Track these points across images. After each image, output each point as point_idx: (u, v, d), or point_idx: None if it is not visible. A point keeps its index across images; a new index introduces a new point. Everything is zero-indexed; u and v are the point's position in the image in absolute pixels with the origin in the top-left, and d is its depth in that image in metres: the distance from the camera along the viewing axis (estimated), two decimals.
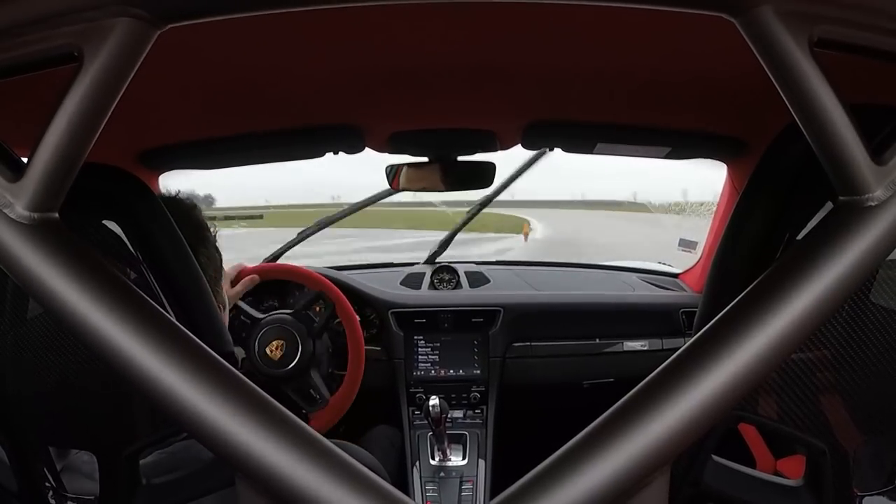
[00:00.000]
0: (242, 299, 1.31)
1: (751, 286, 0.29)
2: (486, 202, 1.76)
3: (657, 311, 1.52)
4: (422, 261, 1.75)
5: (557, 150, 1.14)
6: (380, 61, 0.73)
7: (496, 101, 0.93)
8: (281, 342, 1.23)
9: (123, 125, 0.90)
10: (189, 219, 0.69)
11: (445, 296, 1.57)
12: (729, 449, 0.50)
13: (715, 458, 0.47)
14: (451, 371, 1.45)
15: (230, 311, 1.26)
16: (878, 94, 0.54)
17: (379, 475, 0.28)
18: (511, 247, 9.10)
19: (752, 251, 0.47)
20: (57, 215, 0.30)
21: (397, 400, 1.43)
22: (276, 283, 1.39)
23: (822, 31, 0.27)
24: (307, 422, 1.07)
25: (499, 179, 1.23)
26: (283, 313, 1.27)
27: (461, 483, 1.26)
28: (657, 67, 0.75)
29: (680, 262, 1.80)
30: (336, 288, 1.34)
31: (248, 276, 1.30)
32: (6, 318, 0.49)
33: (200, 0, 0.28)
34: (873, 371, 0.41)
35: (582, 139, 1.06)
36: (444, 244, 1.76)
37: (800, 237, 0.44)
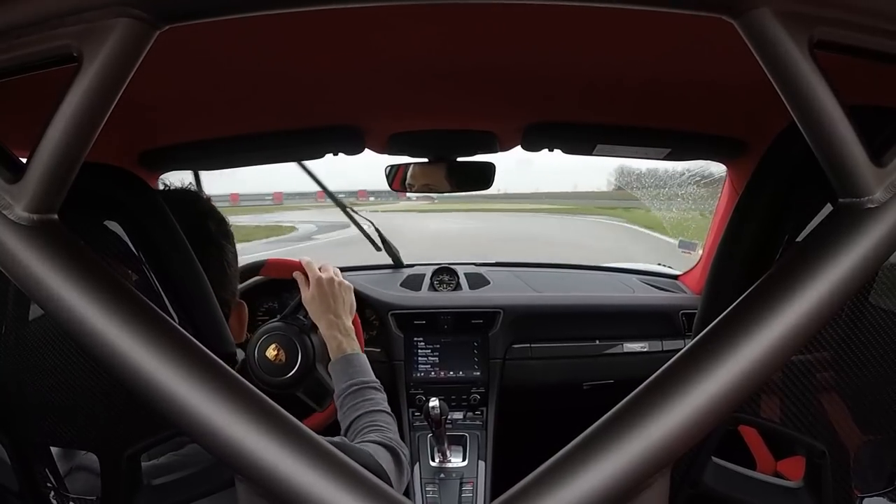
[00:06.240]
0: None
1: (751, 288, 0.29)
2: None
3: (657, 312, 1.51)
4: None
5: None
6: (380, 62, 0.73)
7: (496, 102, 0.93)
8: (279, 346, 1.22)
9: (123, 126, 0.90)
10: (213, 214, 0.68)
11: (445, 297, 1.57)
12: (729, 450, 0.50)
13: (715, 459, 0.47)
14: (451, 373, 1.45)
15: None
16: (877, 95, 0.54)
17: (379, 476, 0.28)
18: None
19: (752, 252, 0.47)
20: (56, 216, 0.30)
21: (397, 401, 1.43)
22: (274, 285, 1.38)
23: (821, 32, 0.27)
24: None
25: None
26: (278, 321, 1.25)
27: (461, 484, 1.26)
28: (657, 69, 0.75)
29: (680, 263, 1.80)
30: None
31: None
32: (8, 319, 0.49)
33: (200, 1, 0.28)
34: (873, 372, 0.41)
35: (581, 140, 1.06)
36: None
37: (799, 239, 0.43)
